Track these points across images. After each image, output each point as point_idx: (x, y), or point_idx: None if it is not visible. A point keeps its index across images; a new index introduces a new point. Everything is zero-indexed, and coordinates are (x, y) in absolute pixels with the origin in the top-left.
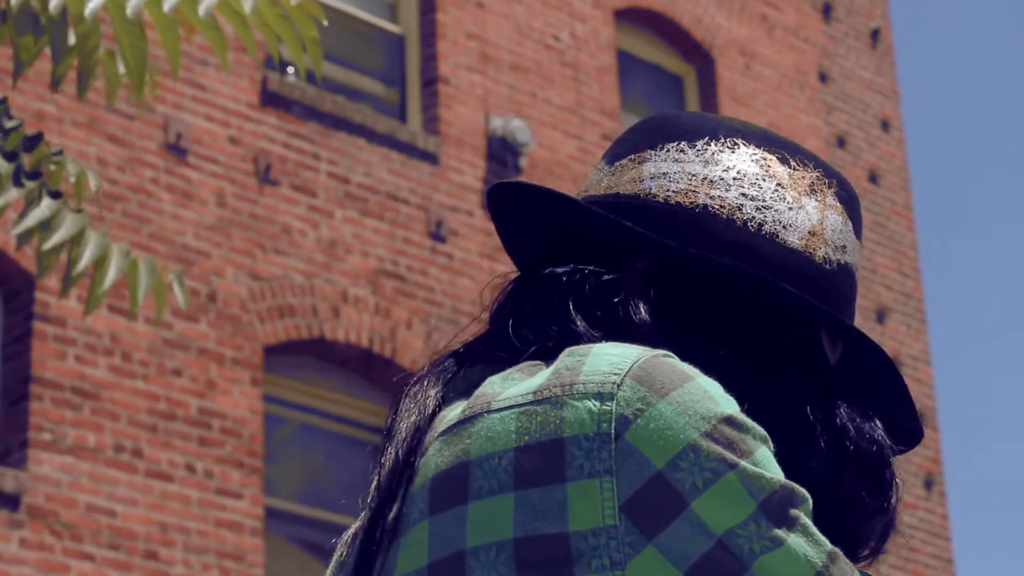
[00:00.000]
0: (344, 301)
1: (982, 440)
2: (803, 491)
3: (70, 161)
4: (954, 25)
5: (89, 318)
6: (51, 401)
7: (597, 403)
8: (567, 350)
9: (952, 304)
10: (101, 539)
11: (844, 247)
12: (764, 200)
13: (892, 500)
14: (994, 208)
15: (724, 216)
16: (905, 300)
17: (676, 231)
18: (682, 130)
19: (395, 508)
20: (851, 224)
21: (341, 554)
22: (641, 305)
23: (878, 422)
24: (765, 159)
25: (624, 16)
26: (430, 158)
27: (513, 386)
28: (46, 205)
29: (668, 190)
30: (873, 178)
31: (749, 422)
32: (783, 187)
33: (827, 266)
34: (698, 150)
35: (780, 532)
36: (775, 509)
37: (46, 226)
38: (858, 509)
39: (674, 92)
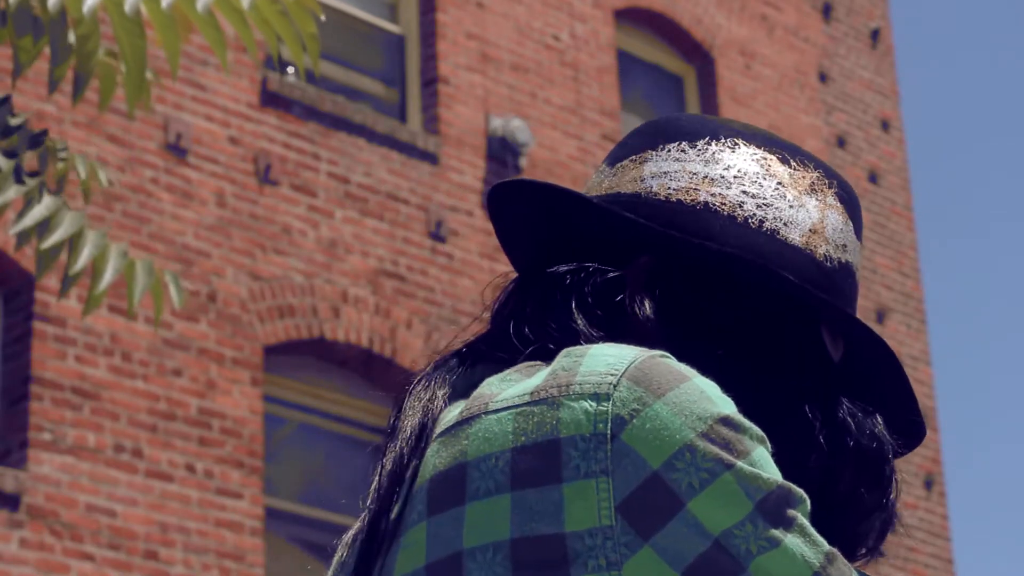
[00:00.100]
0: (344, 301)
1: (982, 440)
2: (800, 491)
3: (79, 158)
4: (954, 25)
5: (89, 318)
6: (51, 401)
7: (593, 404)
8: (565, 351)
9: (952, 304)
10: (101, 539)
11: (845, 246)
12: (765, 198)
13: (891, 497)
14: (994, 208)
15: (725, 213)
16: (905, 300)
17: (677, 228)
18: (683, 131)
19: (396, 509)
20: (851, 224)
21: (342, 555)
22: (646, 302)
23: (879, 418)
24: (766, 159)
25: (624, 16)
26: (430, 158)
27: (511, 387)
28: (45, 204)
29: (669, 188)
30: (873, 178)
31: (746, 422)
32: (784, 186)
33: (828, 264)
34: (699, 150)
35: (777, 532)
36: (772, 509)
37: (45, 225)
38: (857, 506)
39: (674, 92)
